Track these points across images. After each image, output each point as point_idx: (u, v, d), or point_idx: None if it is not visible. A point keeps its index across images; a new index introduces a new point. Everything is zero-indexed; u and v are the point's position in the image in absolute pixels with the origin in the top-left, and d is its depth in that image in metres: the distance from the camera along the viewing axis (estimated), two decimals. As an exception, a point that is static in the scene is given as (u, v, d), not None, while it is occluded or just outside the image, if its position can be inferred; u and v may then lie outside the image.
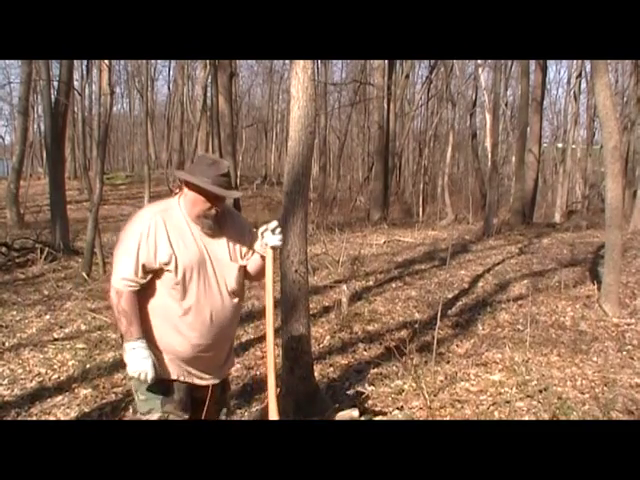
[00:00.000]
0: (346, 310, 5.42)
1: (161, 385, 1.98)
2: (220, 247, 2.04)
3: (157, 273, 1.95)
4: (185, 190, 1.98)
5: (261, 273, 2.14)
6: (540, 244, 9.76)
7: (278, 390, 3.58)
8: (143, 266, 1.91)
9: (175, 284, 1.93)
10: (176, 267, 1.92)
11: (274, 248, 2.02)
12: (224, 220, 2.06)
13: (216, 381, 2.11)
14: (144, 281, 1.93)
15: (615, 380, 3.83)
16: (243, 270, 2.12)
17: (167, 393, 2.01)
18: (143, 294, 1.96)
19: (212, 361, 2.06)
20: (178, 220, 1.96)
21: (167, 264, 1.91)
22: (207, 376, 2.08)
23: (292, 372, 3.39)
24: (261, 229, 2.02)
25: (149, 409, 2.00)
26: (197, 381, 2.06)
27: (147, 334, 1.96)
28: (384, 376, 4.04)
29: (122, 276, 1.91)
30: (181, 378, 2.02)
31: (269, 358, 2.00)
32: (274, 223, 2.01)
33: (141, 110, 31.87)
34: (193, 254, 1.95)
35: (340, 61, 27.74)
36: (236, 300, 2.09)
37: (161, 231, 1.92)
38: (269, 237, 2.00)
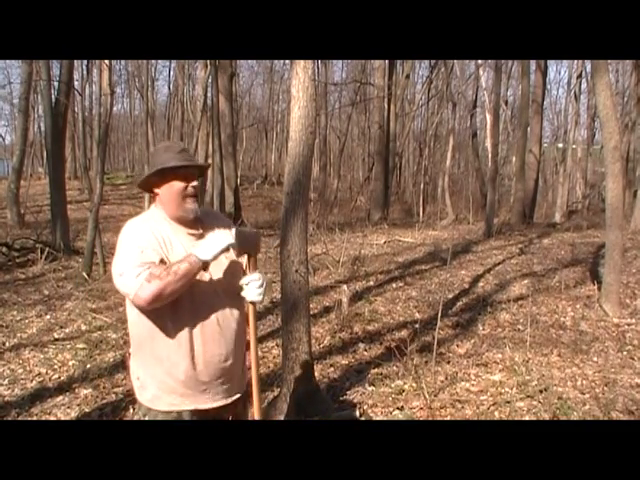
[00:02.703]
0: (346, 310, 5.42)
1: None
2: None
3: None
4: (157, 191, 1.90)
5: None
6: (540, 244, 9.76)
7: (278, 390, 3.60)
8: (152, 264, 1.75)
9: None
10: None
11: (253, 303, 1.91)
12: (206, 218, 1.98)
13: (239, 394, 2.02)
14: None
15: (615, 380, 3.83)
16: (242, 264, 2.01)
17: None
18: (140, 324, 1.83)
19: (232, 371, 1.94)
20: (163, 229, 1.86)
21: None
22: (230, 390, 1.96)
23: (292, 372, 3.39)
24: (244, 280, 1.88)
25: None
26: (221, 402, 1.92)
27: (160, 365, 1.83)
28: (384, 376, 4.04)
29: (136, 273, 1.71)
30: (203, 406, 1.88)
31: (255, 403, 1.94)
32: (256, 276, 1.89)
33: (141, 110, 31.88)
34: None
35: (340, 61, 27.83)
36: (239, 298, 1.96)
37: (151, 238, 1.82)
38: (249, 290, 1.87)
